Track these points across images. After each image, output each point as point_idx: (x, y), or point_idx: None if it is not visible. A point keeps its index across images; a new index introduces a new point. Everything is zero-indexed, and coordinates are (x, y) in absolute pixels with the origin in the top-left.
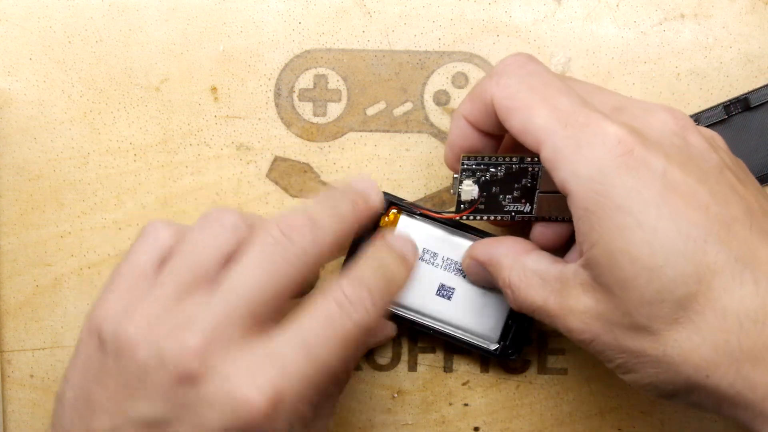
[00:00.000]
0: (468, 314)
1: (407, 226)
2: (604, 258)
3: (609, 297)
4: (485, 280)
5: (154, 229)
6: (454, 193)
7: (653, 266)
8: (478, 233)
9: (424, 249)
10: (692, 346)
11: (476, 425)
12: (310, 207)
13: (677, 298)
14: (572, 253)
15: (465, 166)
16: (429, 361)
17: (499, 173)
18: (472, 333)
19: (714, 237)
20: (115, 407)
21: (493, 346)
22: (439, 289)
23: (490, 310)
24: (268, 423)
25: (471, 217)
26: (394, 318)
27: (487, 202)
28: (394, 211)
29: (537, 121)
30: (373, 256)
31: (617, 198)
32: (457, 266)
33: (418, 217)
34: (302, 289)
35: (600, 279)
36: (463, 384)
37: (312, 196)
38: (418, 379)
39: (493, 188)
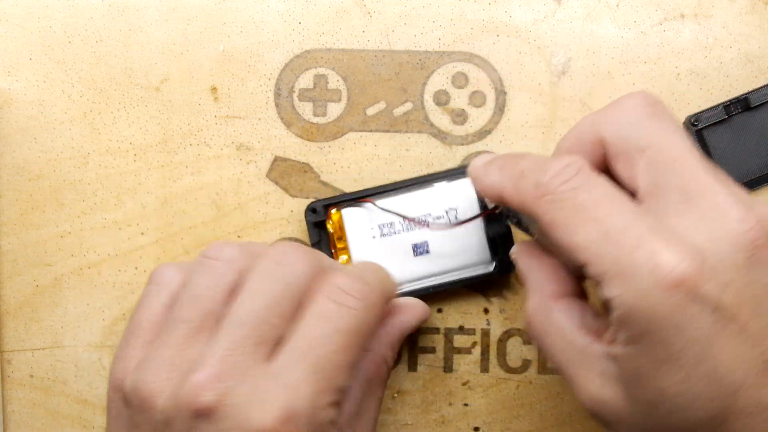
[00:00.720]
0: (452, 254)
1: (353, 216)
2: (633, 376)
3: (628, 404)
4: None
5: (160, 275)
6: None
7: (679, 404)
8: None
9: (379, 225)
10: None
11: (476, 425)
12: (363, 271)
13: (695, 430)
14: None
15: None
16: (429, 361)
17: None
18: (466, 267)
19: (751, 381)
20: None
21: (491, 267)
22: (414, 250)
23: (469, 239)
24: None
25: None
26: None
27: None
28: (333, 211)
29: (579, 239)
30: (363, 262)
31: (660, 333)
32: (416, 219)
33: (357, 203)
34: None
35: (624, 385)
36: (463, 384)
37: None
38: (418, 379)
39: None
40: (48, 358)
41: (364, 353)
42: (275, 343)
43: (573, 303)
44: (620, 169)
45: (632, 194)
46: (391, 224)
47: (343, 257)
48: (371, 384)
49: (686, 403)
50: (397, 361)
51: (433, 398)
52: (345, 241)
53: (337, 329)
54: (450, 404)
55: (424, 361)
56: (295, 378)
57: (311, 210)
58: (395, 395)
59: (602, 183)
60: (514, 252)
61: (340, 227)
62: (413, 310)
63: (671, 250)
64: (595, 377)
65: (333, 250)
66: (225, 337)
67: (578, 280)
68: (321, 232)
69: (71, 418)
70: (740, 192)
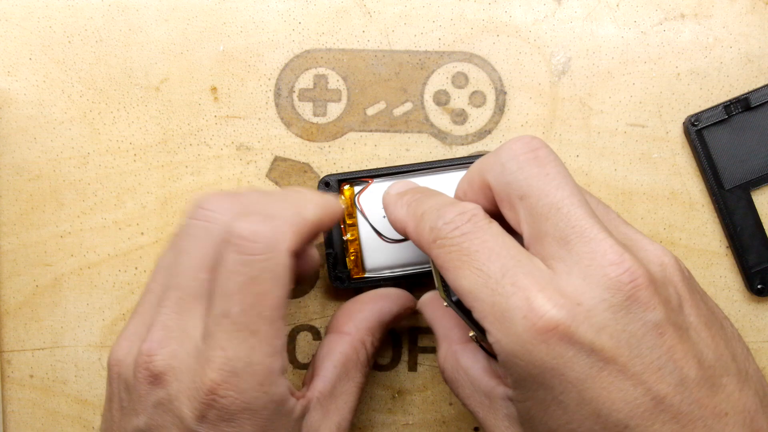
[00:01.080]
0: None
1: (365, 193)
2: (526, 418)
3: None
4: None
5: (160, 261)
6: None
7: None
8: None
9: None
10: None
11: (476, 425)
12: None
13: None
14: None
15: None
16: (429, 361)
17: None
18: None
19: (636, 421)
20: (119, 427)
21: None
22: None
23: None
24: (230, 400)
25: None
26: (403, 284)
27: None
28: (347, 186)
29: (463, 283)
30: (290, 187)
31: (539, 377)
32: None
33: (370, 181)
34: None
35: (525, 425)
36: None
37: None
38: (418, 379)
39: None
40: (48, 358)
41: (340, 335)
42: (210, 297)
43: (476, 350)
44: (506, 214)
45: (521, 236)
46: None
47: (352, 233)
48: (347, 366)
49: None
50: (378, 349)
51: (433, 398)
52: (355, 217)
53: (246, 282)
54: (450, 404)
55: (424, 361)
56: (222, 339)
57: (324, 183)
58: (395, 395)
59: (491, 230)
60: (420, 304)
61: (352, 203)
62: (395, 299)
63: (544, 296)
64: (502, 419)
65: (342, 226)
66: (164, 303)
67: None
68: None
69: (71, 418)
70: (624, 233)
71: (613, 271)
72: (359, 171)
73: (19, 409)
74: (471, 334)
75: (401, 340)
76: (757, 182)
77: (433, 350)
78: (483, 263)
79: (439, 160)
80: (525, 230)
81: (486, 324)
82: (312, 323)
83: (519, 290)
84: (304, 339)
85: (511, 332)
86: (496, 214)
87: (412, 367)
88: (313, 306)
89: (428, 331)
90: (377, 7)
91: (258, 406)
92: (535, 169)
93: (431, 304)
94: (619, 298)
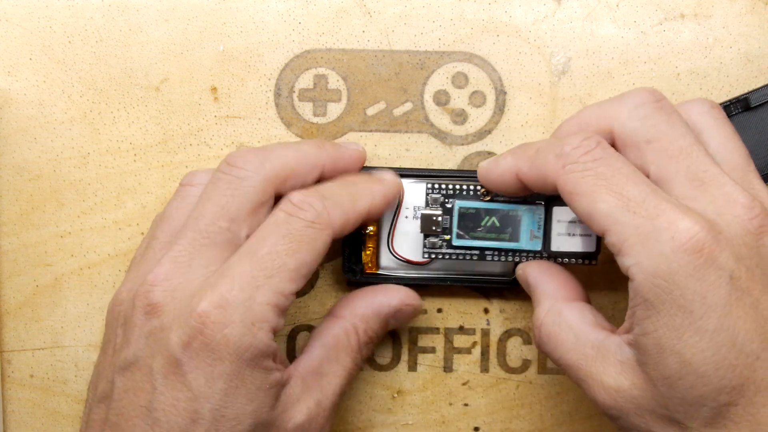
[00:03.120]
0: None
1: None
2: (654, 351)
3: (648, 386)
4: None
5: (167, 212)
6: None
7: (701, 373)
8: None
9: (414, 206)
10: None
11: (476, 425)
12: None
13: (717, 406)
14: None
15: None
16: (429, 361)
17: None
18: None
19: (767, 353)
20: (109, 367)
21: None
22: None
23: None
24: (225, 329)
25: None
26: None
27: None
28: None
29: (601, 206)
30: (344, 177)
31: (680, 299)
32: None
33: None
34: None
35: (644, 367)
36: (463, 384)
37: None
38: (418, 379)
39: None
40: (48, 358)
41: (334, 318)
42: (229, 247)
43: (584, 306)
44: (632, 158)
45: None
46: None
47: (371, 227)
48: (336, 348)
49: (709, 372)
50: (375, 343)
51: (433, 398)
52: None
53: (283, 234)
54: (450, 404)
55: (424, 361)
56: (236, 271)
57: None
58: (395, 395)
59: (620, 157)
60: (522, 268)
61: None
62: (395, 293)
63: (691, 219)
64: (611, 368)
65: None
66: (179, 241)
67: (586, 292)
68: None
69: (71, 418)
70: (746, 179)
71: (746, 214)
72: (392, 168)
73: (19, 409)
74: None
75: (401, 340)
76: None
77: (432, 350)
78: (622, 187)
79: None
80: (653, 171)
81: (626, 247)
82: (312, 323)
83: (664, 213)
84: (303, 339)
85: (657, 253)
86: None
87: (412, 367)
88: (313, 306)
89: (428, 331)
90: (377, 7)
91: (242, 344)
92: (663, 115)
93: (535, 267)
94: (750, 238)
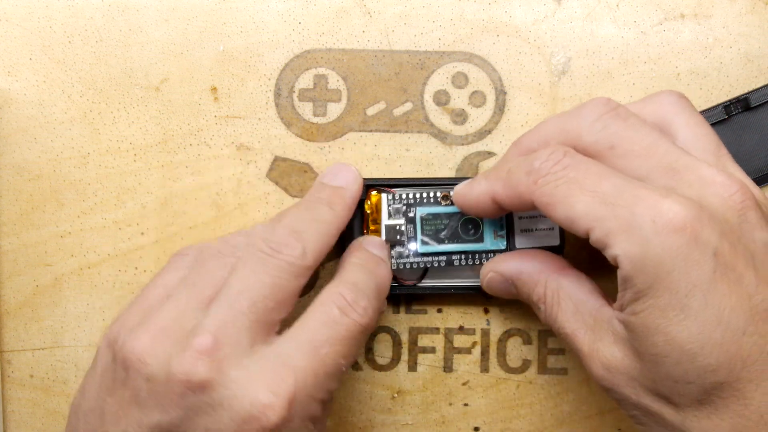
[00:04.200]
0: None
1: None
2: (642, 330)
3: (638, 361)
4: (507, 293)
5: (179, 252)
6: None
7: (687, 351)
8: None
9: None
10: (711, 426)
11: (476, 425)
12: (291, 219)
13: (704, 383)
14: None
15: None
16: (429, 361)
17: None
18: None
19: (752, 328)
20: (126, 417)
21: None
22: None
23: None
24: (284, 425)
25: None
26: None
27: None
28: (374, 192)
29: (579, 207)
30: (361, 263)
31: (666, 279)
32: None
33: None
34: (300, 292)
35: (633, 343)
36: (463, 384)
37: (289, 208)
38: (418, 379)
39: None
40: (48, 358)
41: None
42: (274, 325)
43: (578, 273)
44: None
45: None
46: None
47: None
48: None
49: (695, 350)
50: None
51: (433, 398)
52: (379, 224)
53: (343, 336)
54: (450, 404)
55: (424, 361)
56: (298, 366)
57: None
58: (395, 395)
59: (589, 160)
60: (489, 268)
61: (377, 209)
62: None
63: (670, 199)
64: (606, 338)
65: (365, 231)
66: (222, 308)
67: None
68: (356, 210)
69: None
70: (719, 162)
71: (725, 191)
72: (390, 179)
73: (19, 409)
74: None
75: (401, 340)
76: (757, 182)
77: (432, 350)
78: (596, 184)
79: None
80: (626, 174)
81: (610, 238)
82: None
83: (642, 199)
84: None
85: (640, 238)
86: None
87: (412, 367)
88: None
89: (428, 331)
90: (377, 7)
91: (292, 429)
92: (621, 121)
93: (506, 258)
94: (733, 214)
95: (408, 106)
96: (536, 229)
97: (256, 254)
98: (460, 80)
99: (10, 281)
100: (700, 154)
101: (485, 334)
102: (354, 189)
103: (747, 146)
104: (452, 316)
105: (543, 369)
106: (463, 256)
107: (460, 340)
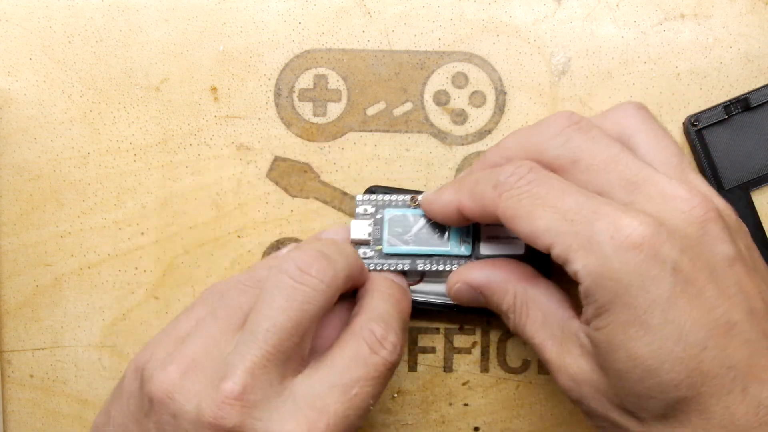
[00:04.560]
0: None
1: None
2: (604, 345)
3: (603, 374)
4: (476, 302)
5: (214, 286)
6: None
7: (648, 367)
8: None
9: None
10: None
11: (476, 425)
12: (317, 245)
13: (667, 398)
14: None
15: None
16: (429, 361)
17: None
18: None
19: (713, 342)
20: None
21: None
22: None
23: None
24: None
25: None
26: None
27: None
28: None
29: (540, 223)
30: (388, 291)
31: (625, 296)
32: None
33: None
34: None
35: (598, 358)
36: (463, 384)
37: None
38: (418, 379)
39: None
40: (48, 358)
41: None
42: (302, 357)
43: (546, 282)
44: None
45: None
46: None
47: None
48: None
49: (656, 366)
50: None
51: (433, 398)
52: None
53: (372, 377)
54: (450, 404)
55: (424, 361)
56: (331, 409)
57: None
58: (395, 395)
59: (553, 175)
60: (455, 279)
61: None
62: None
63: (629, 216)
64: (574, 351)
65: None
66: (252, 343)
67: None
68: None
69: (71, 418)
70: (681, 174)
71: (686, 205)
72: (397, 189)
73: (19, 409)
74: None
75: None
76: (757, 182)
77: (432, 350)
78: (558, 201)
79: None
80: (587, 188)
81: (570, 254)
82: None
83: (602, 215)
84: None
85: (599, 254)
86: None
87: (412, 367)
88: None
89: (428, 331)
90: (377, 7)
91: None
92: (582, 135)
93: (474, 267)
94: (693, 228)
95: (408, 106)
96: (502, 237)
97: (283, 280)
98: (460, 80)
99: (10, 281)
100: (661, 167)
101: (485, 334)
102: (360, 267)
103: (747, 146)
104: (452, 316)
105: (543, 369)
106: (427, 260)
107: (460, 340)
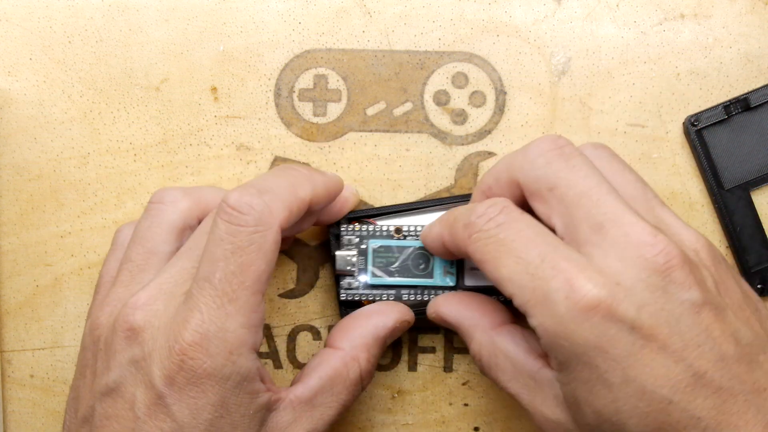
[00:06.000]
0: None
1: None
2: (571, 399)
3: (576, 426)
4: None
5: (117, 235)
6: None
7: (615, 422)
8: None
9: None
10: None
11: (476, 425)
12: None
13: None
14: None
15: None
16: (429, 361)
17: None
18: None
19: (678, 396)
20: (89, 391)
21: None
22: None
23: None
24: (198, 363)
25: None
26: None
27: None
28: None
29: (503, 272)
30: (281, 166)
31: (584, 356)
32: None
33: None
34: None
35: (569, 408)
36: (463, 384)
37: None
38: (418, 379)
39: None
40: (48, 358)
41: (334, 350)
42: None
43: (514, 329)
44: (537, 207)
45: (553, 229)
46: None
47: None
48: (334, 381)
49: (623, 420)
50: (372, 371)
51: (433, 398)
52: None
53: (231, 251)
54: (450, 404)
55: (424, 361)
56: (200, 303)
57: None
58: (395, 395)
59: (524, 219)
60: (432, 307)
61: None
62: (390, 312)
63: (585, 276)
64: (549, 400)
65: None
66: (168, 270)
67: (507, 309)
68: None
69: None
70: (650, 211)
71: (649, 252)
72: (368, 210)
73: (19, 409)
74: None
75: (401, 340)
76: (757, 182)
77: (432, 350)
78: (521, 251)
79: (445, 198)
80: (557, 221)
81: (528, 308)
82: (312, 323)
83: (559, 273)
84: (304, 339)
85: (554, 314)
86: (523, 209)
87: (412, 367)
88: (313, 306)
89: (428, 331)
90: (377, 7)
91: (224, 374)
92: (562, 162)
93: (448, 301)
94: (656, 278)
95: (408, 106)
96: None
97: (213, 227)
98: (460, 80)
99: (10, 281)
100: (629, 202)
101: None
102: (339, 184)
103: (747, 146)
104: None
105: None
106: (411, 291)
107: (460, 340)
